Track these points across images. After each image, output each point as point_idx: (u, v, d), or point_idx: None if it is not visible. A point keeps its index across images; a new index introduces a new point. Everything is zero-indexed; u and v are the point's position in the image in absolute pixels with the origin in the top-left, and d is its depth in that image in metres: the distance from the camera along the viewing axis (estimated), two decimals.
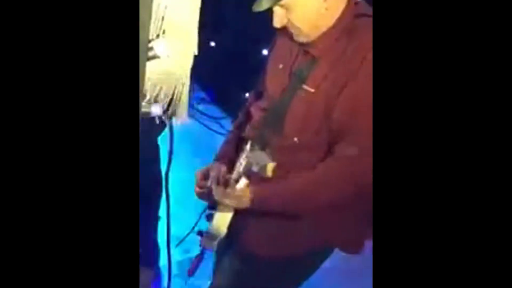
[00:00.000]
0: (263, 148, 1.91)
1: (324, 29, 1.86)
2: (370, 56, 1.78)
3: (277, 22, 1.85)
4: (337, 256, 2.08)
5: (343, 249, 2.07)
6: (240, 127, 2.12)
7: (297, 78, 1.89)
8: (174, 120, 2.55)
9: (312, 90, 1.85)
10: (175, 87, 2.53)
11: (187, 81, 2.55)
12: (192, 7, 2.45)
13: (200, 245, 1.99)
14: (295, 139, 1.89)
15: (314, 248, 2.01)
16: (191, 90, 2.65)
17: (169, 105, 2.53)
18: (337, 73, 1.83)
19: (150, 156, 2.59)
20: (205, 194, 1.99)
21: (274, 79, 1.99)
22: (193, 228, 2.03)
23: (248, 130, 2.03)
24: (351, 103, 1.82)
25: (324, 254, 2.08)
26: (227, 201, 1.88)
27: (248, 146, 1.97)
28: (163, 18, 2.40)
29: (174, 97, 2.53)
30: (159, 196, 2.67)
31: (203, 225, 2.01)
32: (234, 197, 1.87)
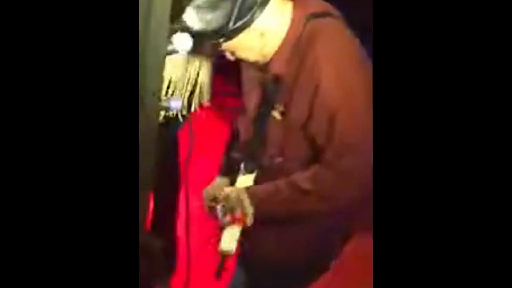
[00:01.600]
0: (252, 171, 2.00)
1: (273, 52, 1.91)
2: (325, 60, 1.84)
3: (229, 57, 1.95)
4: None
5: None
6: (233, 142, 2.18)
7: (266, 103, 1.95)
8: (194, 113, 2.56)
9: (279, 118, 1.91)
10: (195, 81, 2.53)
11: (207, 73, 2.55)
12: None
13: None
14: (280, 159, 1.95)
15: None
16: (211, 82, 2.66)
17: (189, 98, 2.54)
18: (300, 90, 1.88)
19: (168, 150, 2.61)
20: (215, 214, 2.08)
21: (248, 97, 2.05)
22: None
23: (236, 152, 2.10)
24: (324, 113, 1.86)
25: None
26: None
27: (242, 166, 2.03)
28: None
29: (195, 90, 2.54)
30: (176, 188, 2.70)
31: None
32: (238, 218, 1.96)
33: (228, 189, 2.02)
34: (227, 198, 1.97)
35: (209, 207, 2.10)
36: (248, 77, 2.08)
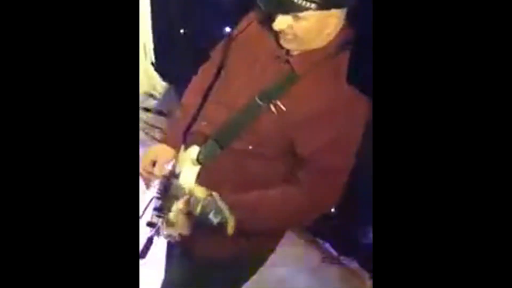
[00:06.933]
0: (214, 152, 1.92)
1: (313, 47, 1.86)
2: (348, 93, 1.82)
3: (278, 25, 1.82)
4: None
5: None
6: (189, 111, 2.12)
7: (272, 91, 1.88)
8: None
9: (284, 109, 1.86)
10: None
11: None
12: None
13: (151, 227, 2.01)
14: (250, 147, 1.91)
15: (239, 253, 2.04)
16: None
17: None
18: (311, 98, 1.85)
19: None
20: (148, 179, 2.07)
21: (243, 78, 1.95)
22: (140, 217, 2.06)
23: (204, 126, 2.01)
24: (320, 136, 1.84)
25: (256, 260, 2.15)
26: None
27: (195, 149, 1.97)
28: None
29: None
30: None
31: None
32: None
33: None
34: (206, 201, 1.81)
35: (146, 171, 2.06)
36: (255, 45, 1.95)
